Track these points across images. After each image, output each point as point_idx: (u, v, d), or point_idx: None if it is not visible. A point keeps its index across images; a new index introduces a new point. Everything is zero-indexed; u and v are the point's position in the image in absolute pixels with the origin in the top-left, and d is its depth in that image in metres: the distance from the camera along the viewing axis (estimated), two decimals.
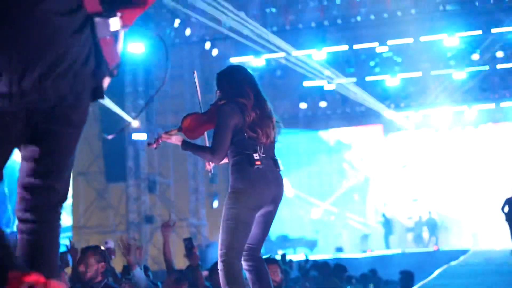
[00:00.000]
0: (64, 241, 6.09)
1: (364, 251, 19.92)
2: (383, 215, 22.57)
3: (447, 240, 22.75)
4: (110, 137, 2.99)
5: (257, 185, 4.38)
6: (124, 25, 2.44)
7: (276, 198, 4.51)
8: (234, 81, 4.66)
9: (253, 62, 19.78)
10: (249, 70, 4.83)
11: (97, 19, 2.28)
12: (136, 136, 18.05)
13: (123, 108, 18.11)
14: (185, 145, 4.64)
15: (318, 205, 24.03)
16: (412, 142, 24.12)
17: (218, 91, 4.73)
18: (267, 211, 4.52)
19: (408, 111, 22.74)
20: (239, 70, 4.80)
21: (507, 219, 13.87)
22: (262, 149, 4.46)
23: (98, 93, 2.38)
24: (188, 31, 18.60)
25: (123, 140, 18.04)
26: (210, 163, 4.69)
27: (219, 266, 4.35)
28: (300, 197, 24.00)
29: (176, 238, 19.74)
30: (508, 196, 14.10)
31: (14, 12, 2.13)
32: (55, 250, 2.45)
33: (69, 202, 18.99)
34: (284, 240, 22.20)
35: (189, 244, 5.98)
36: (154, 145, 4.68)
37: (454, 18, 18.28)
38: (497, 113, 22.99)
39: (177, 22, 18.69)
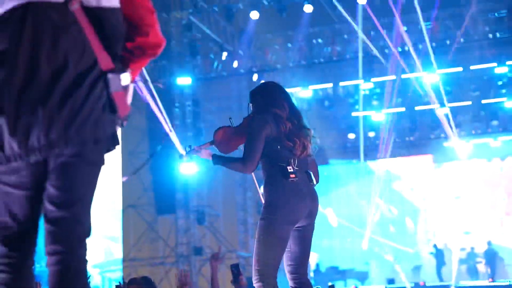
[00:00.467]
0: (114, 275, 6.15)
1: (417, 283, 19.53)
2: (434, 246, 22.14)
3: (504, 272, 22.16)
4: (124, 179, 3.27)
5: (291, 199, 4.28)
6: (133, 80, 2.68)
7: (311, 212, 4.39)
8: (267, 93, 4.61)
9: (300, 93, 19.82)
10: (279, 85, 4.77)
11: (110, 75, 2.52)
12: (184, 168, 18.18)
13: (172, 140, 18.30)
14: (216, 158, 4.54)
15: (367, 235, 23.74)
16: (464, 172, 23.70)
17: (251, 105, 4.68)
18: (304, 226, 4.40)
19: (459, 140, 22.42)
20: (272, 83, 4.76)
21: None
22: (295, 162, 4.36)
23: (115, 139, 2.60)
24: (235, 64, 18.78)
25: (172, 172, 18.18)
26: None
27: (255, 283, 4.25)
28: (348, 228, 23.76)
29: (225, 269, 19.73)
30: None
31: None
32: (83, 283, 2.49)
33: (119, 234, 19.18)
34: (334, 272, 21.94)
35: (235, 270, 5.96)
36: (184, 158, 4.69)
37: (504, 46, 18.06)
38: None
39: (224, 55, 18.89)
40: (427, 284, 19.31)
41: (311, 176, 4.42)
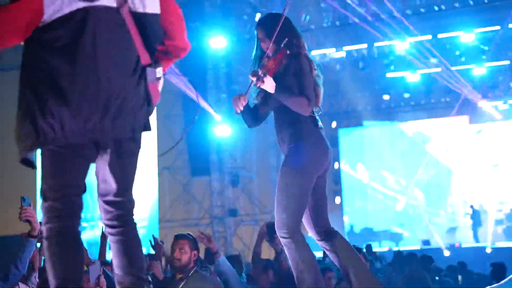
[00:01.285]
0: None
1: (452, 245, 19.47)
2: (471, 207, 21.94)
3: None
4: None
5: (320, 147, 4.10)
6: (164, 73, 3.22)
7: (330, 164, 4.21)
8: (293, 30, 4.26)
9: (335, 54, 19.63)
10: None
11: (148, 69, 3.07)
12: (219, 131, 18.22)
13: (206, 102, 18.31)
14: (279, 88, 4.10)
15: (400, 198, 23.64)
16: (501, 135, 23.33)
17: (268, 39, 4.18)
18: (323, 180, 4.24)
19: (496, 101, 22.08)
20: (287, 19, 4.25)
21: None
22: (317, 111, 4.20)
23: (147, 126, 3.10)
24: None
25: (206, 135, 18.24)
26: (239, 105, 4.34)
27: (284, 242, 4.06)
28: (381, 190, 23.69)
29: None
30: None
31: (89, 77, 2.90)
32: (140, 245, 3.16)
33: (155, 196, 19.39)
34: (369, 233, 21.97)
35: (271, 230, 5.94)
36: (258, 82, 4.10)
37: None
38: None
39: (257, 16, 18.73)
40: (462, 246, 19.24)
41: (323, 128, 4.24)
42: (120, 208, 3.10)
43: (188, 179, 19.98)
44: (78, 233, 2.98)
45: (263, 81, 4.06)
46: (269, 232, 5.98)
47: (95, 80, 2.86)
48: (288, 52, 4.12)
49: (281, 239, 4.11)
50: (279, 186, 4.11)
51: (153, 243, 6.01)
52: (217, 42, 17.97)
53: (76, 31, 2.82)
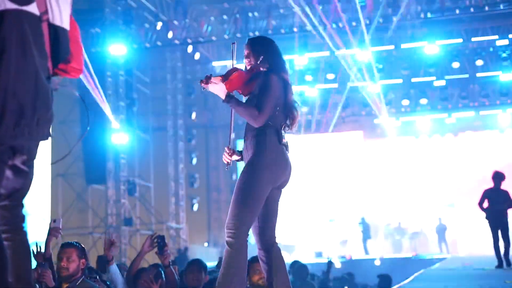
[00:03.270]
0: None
1: (344, 257, 19.99)
2: (363, 220, 22.56)
3: (426, 247, 22.87)
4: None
5: (279, 161, 4.31)
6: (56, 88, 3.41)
7: (285, 181, 4.43)
8: (277, 54, 4.57)
9: (236, 66, 19.77)
10: None
11: (53, 78, 3.19)
12: (115, 138, 17.98)
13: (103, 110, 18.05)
14: (230, 97, 4.38)
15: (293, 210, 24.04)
16: (391, 149, 24.23)
17: (252, 57, 4.55)
18: (277, 194, 4.44)
19: (389, 117, 22.91)
20: (275, 44, 4.66)
21: (487, 217, 10.86)
22: (284, 129, 4.43)
23: (49, 133, 3.15)
24: (170, 34, 18.57)
25: (103, 142, 17.96)
26: (227, 157, 4.55)
27: (228, 241, 4.21)
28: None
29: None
30: (486, 187, 11.20)
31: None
32: (28, 254, 3.15)
33: (47, 203, 18.86)
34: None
35: (161, 242, 5.99)
36: (206, 85, 4.38)
37: (434, 26, 18.45)
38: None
39: (159, 25, 18.66)
40: (353, 258, 19.77)
41: (288, 147, 4.46)
42: (14, 214, 3.11)
43: (83, 187, 19.57)
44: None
45: (206, 84, 4.34)
46: (159, 244, 6.00)
47: (12, 87, 2.88)
48: (262, 69, 4.43)
49: (226, 238, 4.24)
50: (235, 191, 4.28)
51: (35, 252, 5.84)
52: (117, 49, 17.76)
53: (4, 31, 2.85)
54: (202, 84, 4.37)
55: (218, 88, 4.39)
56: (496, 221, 10.89)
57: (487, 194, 11.04)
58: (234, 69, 4.45)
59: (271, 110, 4.31)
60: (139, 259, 6.22)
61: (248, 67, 4.56)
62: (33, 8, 2.95)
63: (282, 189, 4.49)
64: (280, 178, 4.35)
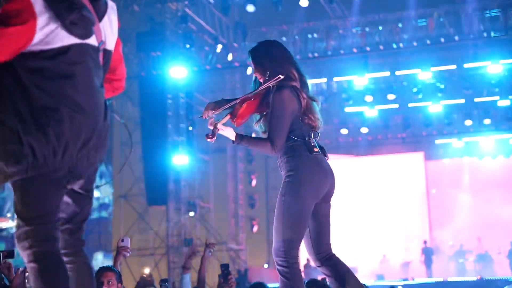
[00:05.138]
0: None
1: (406, 279, 19.59)
2: (425, 243, 22.09)
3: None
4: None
5: (316, 174, 4.07)
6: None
7: (330, 191, 4.20)
8: (281, 59, 4.26)
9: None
10: (283, 44, 4.41)
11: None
12: (177, 160, 18.17)
13: (165, 131, 18.28)
14: (240, 138, 4.19)
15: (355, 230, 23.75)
16: (453, 170, 23.78)
17: (258, 71, 4.30)
18: (324, 207, 4.22)
19: (450, 138, 22.52)
20: (276, 45, 4.36)
21: None
22: (314, 136, 4.16)
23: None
24: (230, 56, 18.75)
25: (164, 163, 18.17)
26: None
27: (281, 271, 4.03)
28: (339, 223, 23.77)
29: (214, 261, 19.73)
30: None
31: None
32: (92, 275, 3.26)
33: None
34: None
35: (226, 270, 5.94)
36: (213, 139, 4.12)
37: (498, 45, 18.10)
38: None
39: (219, 47, 18.86)
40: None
41: (325, 150, 4.24)
42: (75, 237, 3.20)
43: (144, 207, 19.80)
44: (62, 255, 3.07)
45: (213, 137, 4.10)
46: (223, 273, 5.96)
47: (81, 115, 2.99)
48: (272, 84, 4.14)
49: (277, 267, 4.09)
50: (276, 214, 4.11)
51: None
52: (178, 71, 18.01)
53: (69, 64, 2.98)
54: (209, 139, 4.12)
55: (227, 132, 4.18)
56: None
57: None
58: (240, 101, 4.17)
59: (284, 133, 4.09)
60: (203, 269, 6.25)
61: (261, 80, 4.28)
62: (93, 41, 3.07)
63: (330, 201, 4.26)
64: (321, 190, 4.12)
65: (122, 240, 5.63)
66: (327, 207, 4.25)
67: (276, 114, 4.09)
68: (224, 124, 4.16)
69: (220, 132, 4.16)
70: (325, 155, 4.22)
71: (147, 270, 6.32)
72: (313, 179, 4.06)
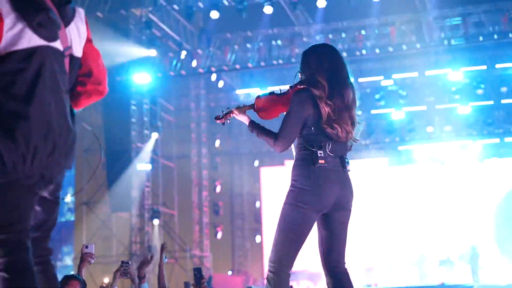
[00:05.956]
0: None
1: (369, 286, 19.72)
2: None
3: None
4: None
5: (317, 184, 4.03)
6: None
7: (341, 201, 4.13)
8: (309, 68, 4.29)
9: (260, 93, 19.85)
10: (336, 50, 4.44)
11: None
12: (140, 167, 18.08)
13: (129, 138, 18.18)
14: (252, 125, 4.36)
15: None
16: (416, 176, 24.02)
17: (300, 73, 4.38)
18: (333, 214, 4.15)
19: (413, 144, 22.75)
20: (317, 52, 4.38)
21: None
22: (330, 147, 4.11)
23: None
24: (194, 63, 18.72)
25: (128, 170, 18.06)
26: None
27: (269, 276, 4.04)
28: None
29: (178, 268, 19.66)
30: None
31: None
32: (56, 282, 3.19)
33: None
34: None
35: (198, 274, 5.92)
36: (222, 120, 4.42)
37: (459, 53, 18.41)
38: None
39: (183, 54, 18.83)
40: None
41: (345, 161, 4.17)
42: (42, 247, 3.12)
43: (108, 215, 19.63)
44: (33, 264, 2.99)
45: (220, 119, 4.46)
46: (196, 277, 5.93)
47: (49, 119, 2.95)
48: (298, 87, 4.27)
49: (267, 272, 4.10)
50: (278, 221, 4.13)
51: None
52: (142, 78, 17.93)
53: (35, 67, 2.94)
54: (218, 121, 4.45)
55: (242, 117, 4.45)
56: None
57: None
58: (261, 95, 4.43)
59: (290, 134, 4.13)
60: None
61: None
62: (58, 45, 3.03)
63: (349, 208, 4.21)
64: (326, 200, 4.06)
65: (86, 247, 5.56)
66: (343, 214, 4.20)
67: (287, 114, 4.20)
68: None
69: (234, 116, 4.44)
70: (344, 167, 4.16)
71: (106, 280, 6.28)
72: (314, 189, 4.04)
